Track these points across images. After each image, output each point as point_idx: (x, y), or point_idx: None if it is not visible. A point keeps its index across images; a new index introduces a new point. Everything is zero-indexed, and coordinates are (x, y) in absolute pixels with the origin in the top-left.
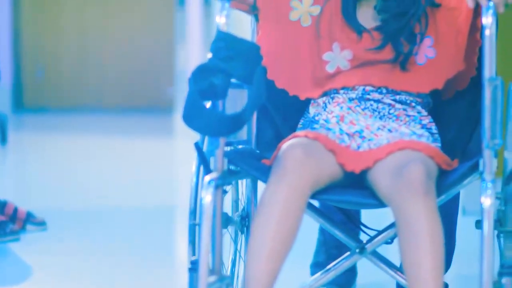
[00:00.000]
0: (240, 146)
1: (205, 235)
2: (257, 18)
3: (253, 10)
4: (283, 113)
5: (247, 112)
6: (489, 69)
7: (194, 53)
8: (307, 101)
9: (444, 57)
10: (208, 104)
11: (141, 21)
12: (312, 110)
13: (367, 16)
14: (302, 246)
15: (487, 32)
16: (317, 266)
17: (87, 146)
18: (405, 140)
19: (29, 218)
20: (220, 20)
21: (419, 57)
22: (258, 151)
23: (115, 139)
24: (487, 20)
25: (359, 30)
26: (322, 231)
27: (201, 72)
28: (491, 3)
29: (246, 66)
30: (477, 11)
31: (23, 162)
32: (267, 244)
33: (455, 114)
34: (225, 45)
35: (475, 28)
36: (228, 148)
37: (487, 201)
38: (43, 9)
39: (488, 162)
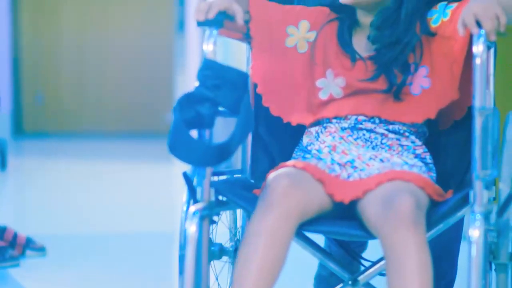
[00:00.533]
0: (236, 175)
1: (188, 267)
2: (249, 44)
3: (247, 38)
4: (278, 142)
5: (234, 142)
6: (479, 99)
7: (193, 79)
8: (302, 130)
9: (438, 86)
10: (194, 133)
11: (141, 47)
12: (305, 139)
13: (362, 44)
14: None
15: (477, 61)
16: (320, 279)
17: (86, 172)
18: (395, 171)
19: (28, 243)
20: (207, 48)
21: (414, 87)
22: (252, 181)
23: (114, 164)
24: (478, 48)
25: (353, 57)
26: (328, 244)
27: (187, 101)
28: (482, 31)
29: (234, 94)
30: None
31: (23, 187)
32: (253, 275)
33: (452, 144)
34: (212, 73)
35: (472, 57)
36: (217, 178)
37: (475, 233)
38: (43, 34)
39: (479, 193)
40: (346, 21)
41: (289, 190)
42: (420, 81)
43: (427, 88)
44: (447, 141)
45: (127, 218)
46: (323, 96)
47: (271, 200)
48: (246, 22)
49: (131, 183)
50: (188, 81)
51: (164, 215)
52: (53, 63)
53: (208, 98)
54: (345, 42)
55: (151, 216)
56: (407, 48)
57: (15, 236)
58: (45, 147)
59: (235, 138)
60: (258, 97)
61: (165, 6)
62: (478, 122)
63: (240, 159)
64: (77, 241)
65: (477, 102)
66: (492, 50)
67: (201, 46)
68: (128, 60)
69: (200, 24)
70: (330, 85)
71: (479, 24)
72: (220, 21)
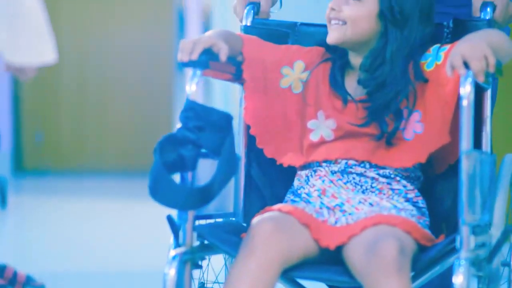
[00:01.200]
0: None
1: None
2: (241, 85)
3: (236, 79)
4: (271, 185)
5: (216, 185)
6: (466, 141)
7: None
8: (295, 172)
9: (430, 131)
10: (177, 176)
11: (141, 86)
12: (296, 183)
13: (354, 85)
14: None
15: (464, 103)
16: None
17: (87, 210)
18: (382, 215)
19: (28, 282)
20: (190, 88)
21: (407, 132)
22: (245, 224)
23: (115, 202)
24: (465, 90)
25: (345, 99)
26: None
27: (169, 143)
28: (470, 72)
29: (217, 136)
30: None
31: (23, 225)
32: None
33: (447, 189)
34: (195, 115)
35: None
36: (205, 221)
37: (459, 279)
38: (42, 72)
39: (465, 239)
40: (338, 62)
41: (272, 235)
42: (413, 126)
43: (420, 133)
44: (442, 185)
45: (128, 256)
46: (314, 138)
47: (254, 245)
48: (240, 63)
49: (132, 221)
50: None
51: (165, 254)
52: (53, 102)
53: (190, 140)
54: (336, 84)
55: (152, 254)
56: (400, 95)
57: (15, 274)
58: (46, 185)
59: (217, 181)
60: (251, 139)
61: (165, 45)
62: (464, 166)
63: (232, 201)
64: (77, 279)
65: (464, 145)
66: (488, 92)
67: (201, 86)
68: (128, 99)
69: (183, 65)
70: (321, 126)
71: (467, 65)
72: (204, 62)
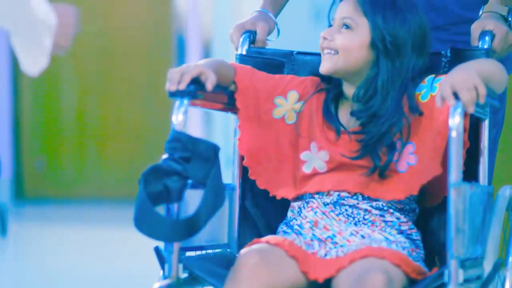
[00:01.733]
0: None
1: None
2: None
3: (229, 109)
4: (265, 216)
5: (202, 216)
6: (455, 174)
7: None
8: (289, 204)
9: (423, 162)
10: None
11: (142, 115)
12: (289, 214)
13: (348, 116)
14: None
15: (453, 134)
16: None
17: (87, 238)
18: (371, 247)
19: None
20: (176, 118)
21: (400, 164)
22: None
23: (116, 230)
24: (454, 121)
25: (338, 130)
26: None
27: (154, 174)
28: (460, 103)
29: (204, 167)
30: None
31: (23, 253)
32: None
33: (441, 221)
34: (181, 145)
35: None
36: (193, 253)
37: None
38: (43, 100)
39: (454, 273)
40: (332, 92)
41: (259, 267)
42: (407, 158)
43: (413, 165)
44: (437, 218)
45: (129, 285)
46: (306, 169)
47: (239, 278)
48: (232, 92)
49: (132, 249)
50: None
51: None
52: (53, 129)
53: (176, 171)
54: (329, 115)
55: (152, 283)
56: (393, 128)
57: None
58: (46, 213)
59: (202, 212)
60: (245, 169)
61: (165, 73)
62: (453, 199)
63: (226, 232)
64: None
65: (452, 177)
66: (486, 122)
67: (202, 123)
68: (129, 128)
69: (171, 95)
70: (314, 158)
71: (458, 96)
72: (192, 92)
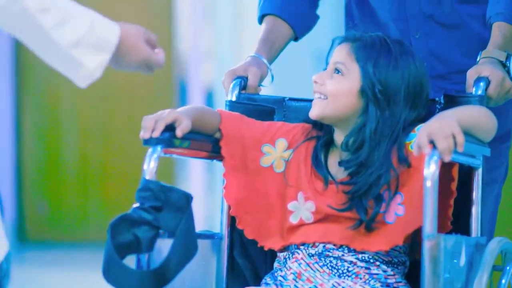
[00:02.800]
0: None
1: None
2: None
3: (215, 157)
4: (252, 266)
5: (172, 267)
6: (429, 224)
7: (194, 190)
8: (276, 254)
9: (410, 212)
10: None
11: (143, 158)
12: (275, 265)
13: (337, 165)
14: None
15: (427, 183)
16: None
17: (90, 282)
18: None
19: None
20: (148, 167)
21: (389, 215)
22: None
23: None
24: (429, 170)
25: (326, 180)
26: None
27: (123, 223)
28: (436, 151)
29: (177, 217)
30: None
31: None
32: None
33: None
34: (152, 194)
35: (450, 178)
36: None
37: None
38: (45, 143)
39: None
40: (322, 139)
41: None
42: (395, 208)
43: (401, 216)
44: None
45: None
46: (293, 220)
47: None
48: (217, 140)
49: None
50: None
51: None
52: (56, 173)
53: (146, 221)
54: (318, 164)
55: None
56: (381, 180)
57: None
58: (49, 257)
59: (172, 263)
60: (233, 218)
61: None
62: (426, 251)
63: (214, 284)
64: None
65: (426, 228)
66: (479, 171)
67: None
68: (131, 171)
69: (145, 143)
70: (301, 209)
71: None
72: (166, 139)
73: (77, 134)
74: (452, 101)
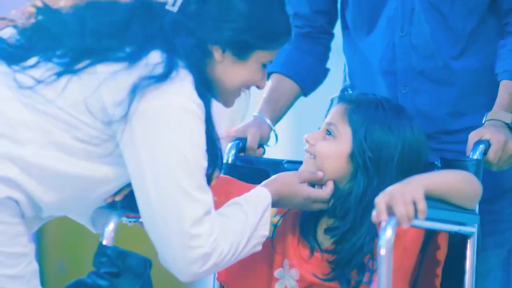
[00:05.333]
0: None
1: None
2: None
3: None
4: None
5: None
6: None
7: None
8: None
9: (394, 281)
10: None
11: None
12: None
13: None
14: None
15: (381, 252)
16: None
17: None
18: None
19: None
20: (106, 231)
21: (374, 284)
22: None
23: None
24: (384, 237)
25: (312, 248)
26: None
27: None
28: (393, 218)
29: (135, 283)
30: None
31: None
32: None
33: None
34: (108, 260)
35: (436, 247)
36: None
37: None
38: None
39: None
40: None
41: None
42: None
43: None
44: None
45: None
46: (279, 287)
47: None
48: None
49: None
50: None
51: None
52: (75, 234)
53: (101, 286)
54: (306, 231)
55: None
56: (364, 249)
57: None
58: None
59: None
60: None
61: None
62: None
63: None
64: None
65: None
66: (472, 239)
67: None
68: (147, 239)
69: (106, 207)
70: (286, 277)
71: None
72: (126, 205)
73: None
74: (449, 165)
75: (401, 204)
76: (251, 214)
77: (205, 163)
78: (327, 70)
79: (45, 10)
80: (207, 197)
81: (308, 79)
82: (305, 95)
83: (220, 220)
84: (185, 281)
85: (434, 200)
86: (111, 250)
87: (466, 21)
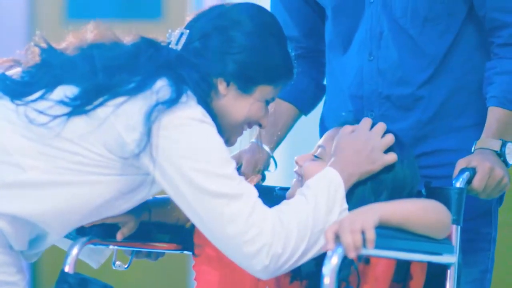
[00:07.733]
0: None
1: None
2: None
3: (184, 249)
4: None
5: None
6: None
7: None
8: None
9: None
10: None
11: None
12: None
13: None
14: None
15: (325, 281)
16: None
17: None
18: None
19: None
20: (70, 256)
21: None
22: None
23: None
24: (330, 265)
25: (294, 276)
26: None
27: None
28: (340, 247)
29: None
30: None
31: None
32: None
33: None
34: (69, 287)
35: (409, 277)
36: None
37: None
38: None
39: None
40: None
41: None
42: None
43: None
44: None
45: None
46: None
47: None
48: (189, 230)
49: None
50: None
51: None
52: None
53: None
54: None
55: None
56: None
57: None
58: None
59: None
60: None
61: None
62: None
63: None
64: None
65: None
66: (452, 270)
67: None
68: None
69: (72, 233)
70: None
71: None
72: (96, 233)
73: None
74: (433, 193)
75: (347, 233)
76: (313, 198)
77: (233, 162)
78: (325, 86)
79: (49, 50)
80: (247, 189)
81: (305, 98)
82: (305, 114)
83: (273, 210)
84: (264, 278)
85: (391, 230)
86: (73, 278)
87: (438, 43)
